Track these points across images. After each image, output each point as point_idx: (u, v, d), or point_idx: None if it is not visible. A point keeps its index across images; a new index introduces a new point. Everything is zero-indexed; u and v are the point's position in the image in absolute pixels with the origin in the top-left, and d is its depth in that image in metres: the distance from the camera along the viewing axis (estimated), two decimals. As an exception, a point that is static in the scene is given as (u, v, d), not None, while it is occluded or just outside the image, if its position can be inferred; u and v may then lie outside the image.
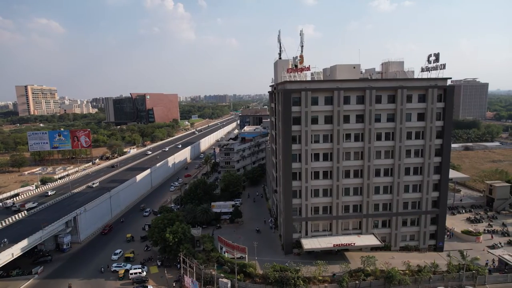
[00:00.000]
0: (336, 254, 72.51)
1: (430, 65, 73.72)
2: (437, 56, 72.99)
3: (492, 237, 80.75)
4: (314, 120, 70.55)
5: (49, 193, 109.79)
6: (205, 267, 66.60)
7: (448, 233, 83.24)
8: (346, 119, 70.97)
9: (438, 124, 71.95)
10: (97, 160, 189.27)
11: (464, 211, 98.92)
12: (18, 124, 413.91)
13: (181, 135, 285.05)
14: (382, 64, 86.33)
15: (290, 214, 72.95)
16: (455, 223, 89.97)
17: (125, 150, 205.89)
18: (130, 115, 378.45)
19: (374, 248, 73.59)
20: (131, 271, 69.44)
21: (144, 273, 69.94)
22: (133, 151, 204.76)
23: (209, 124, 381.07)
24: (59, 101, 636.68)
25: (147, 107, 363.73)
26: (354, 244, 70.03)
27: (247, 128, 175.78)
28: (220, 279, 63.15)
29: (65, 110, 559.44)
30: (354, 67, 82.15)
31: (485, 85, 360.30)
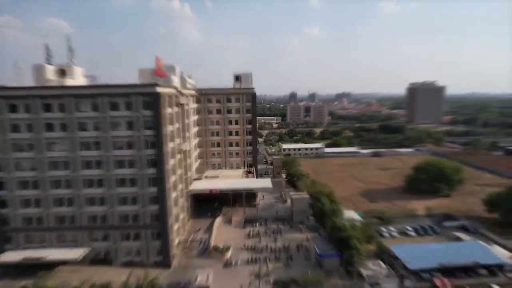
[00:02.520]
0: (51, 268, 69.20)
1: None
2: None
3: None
4: (16, 128, 67.52)
5: None
6: None
7: (202, 246, 79.29)
8: (50, 127, 67.70)
9: (148, 133, 68.11)
10: None
11: (265, 223, 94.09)
12: None
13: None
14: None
15: (-1, 225, 70.11)
16: (235, 237, 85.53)
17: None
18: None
19: (95, 262, 70.22)
20: None
21: None
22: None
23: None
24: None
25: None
26: (46, 258, 66.74)
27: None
28: None
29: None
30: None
31: (442, 88, 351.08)
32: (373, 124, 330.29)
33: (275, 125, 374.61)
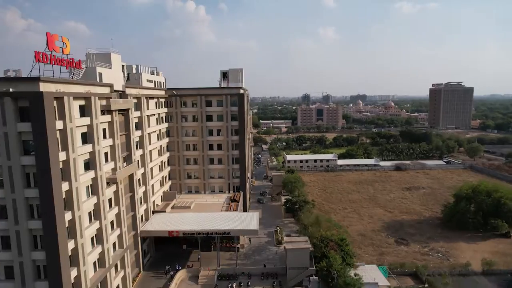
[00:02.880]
0: None
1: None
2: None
3: None
4: None
5: None
6: None
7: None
8: None
9: (27, 161, 39.98)
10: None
11: (247, 282, 65.20)
12: None
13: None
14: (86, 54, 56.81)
15: None
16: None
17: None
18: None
19: None
20: None
21: None
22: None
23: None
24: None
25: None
26: None
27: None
28: None
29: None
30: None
31: (470, 90, 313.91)
32: (392, 130, 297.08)
33: (284, 130, 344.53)
